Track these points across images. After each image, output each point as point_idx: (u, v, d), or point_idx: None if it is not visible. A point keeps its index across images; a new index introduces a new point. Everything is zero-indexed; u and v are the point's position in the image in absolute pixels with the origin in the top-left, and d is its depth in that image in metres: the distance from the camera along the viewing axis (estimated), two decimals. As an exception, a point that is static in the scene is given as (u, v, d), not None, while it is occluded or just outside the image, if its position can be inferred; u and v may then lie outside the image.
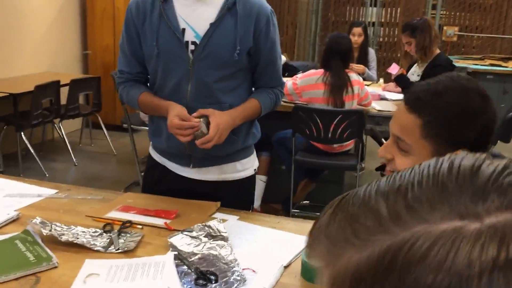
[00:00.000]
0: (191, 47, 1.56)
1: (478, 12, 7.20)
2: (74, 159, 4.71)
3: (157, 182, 1.79)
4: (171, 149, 1.70)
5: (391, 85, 3.78)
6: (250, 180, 1.79)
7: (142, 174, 3.99)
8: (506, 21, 7.12)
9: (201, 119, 1.54)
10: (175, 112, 1.53)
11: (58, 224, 1.43)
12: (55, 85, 4.43)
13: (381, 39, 7.63)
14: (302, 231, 1.49)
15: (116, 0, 5.55)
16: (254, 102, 1.66)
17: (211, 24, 1.54)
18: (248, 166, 1.77)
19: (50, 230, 1.37)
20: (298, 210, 3.35)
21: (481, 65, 6.57)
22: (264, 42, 1.60)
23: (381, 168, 3.89)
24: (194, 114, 1.54)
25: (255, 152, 1.82)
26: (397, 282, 0.29)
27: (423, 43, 3.10)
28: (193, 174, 1.71)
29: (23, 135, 4.30)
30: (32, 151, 4.35)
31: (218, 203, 1.65)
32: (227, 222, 1.52)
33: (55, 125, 4.78)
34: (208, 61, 1.56)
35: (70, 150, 4.71)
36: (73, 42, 5.65)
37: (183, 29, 1.56)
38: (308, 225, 1.48)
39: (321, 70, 3.20)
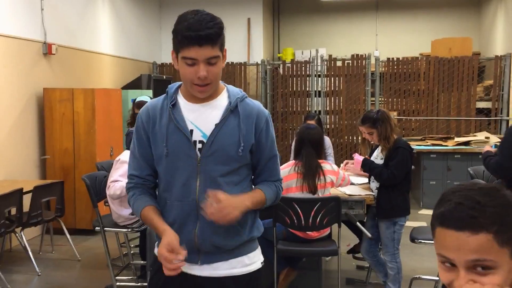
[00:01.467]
0: (199, 145, 1.70)
1: (413, 97, 7.88)
2: (37, 268, 4.51)
3: (164, 284, 1.80)
4: (182, 242, 1.71)
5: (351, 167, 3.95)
6: (258, 273, 1.84)
7: (116, 277, 3.93)
8: (438, 104, 7.81)
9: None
10: (166, 242, 1.61)
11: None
12: (18, 194, 4.34)
13: (328, 126, 8.10)
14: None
15: (75, 105, 5.64)
16: (259, 192, 1.78)
17: (216, 124, 1.70)
18: (256, 259, 1.83)
19: None
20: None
21: (424, 145, 7.09)
22: (265, 139, 1.77)
23: (352, 251, 4.04)
24: (207, 198, 1.63)
25: (259, 248, 1.88)
26: None
27: (385, 133, 3.39)
28: (202, 271, 1.75)
29: (-16, 248, 4.10)
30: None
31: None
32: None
33: (17, 234, 4.60)
34: (215, 157, 1.70)
35: (32, 259, 4.51)
36: (32, 147, 5.61)
37: (191, 130, 1.71)
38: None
39: (292, 162, 3.39)
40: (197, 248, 1.72)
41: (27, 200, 4.50)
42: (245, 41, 8.75)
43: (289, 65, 8.33)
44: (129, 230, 3.91)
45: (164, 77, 8.03)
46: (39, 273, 4.49)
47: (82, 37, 6.54)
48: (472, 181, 1.08)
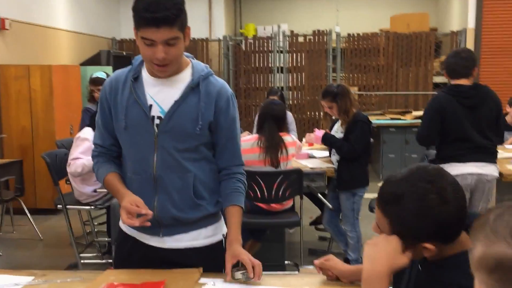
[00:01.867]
0: (157, 121, 1.71)
1: (373, 72, 8.03)
2: (-2, 249, 4.43)
3: (128, 255, 1.85)
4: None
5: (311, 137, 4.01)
6: (220, 246, 1.86)
7: (80, 255, 3.91)
8: (397, 80, 7.99)
9: (242, 273, 1.65)
10: (131, 199, 1.68)
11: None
12: (-26, 173, 4.23)
13: (290, 102, 8.17)
14: (286, 283, 1.63)
15: (32, 82, 5.49)
16: (236, 210, 1.78)
17: (176, 101, 1.70)
18: (217, 231, 1.85)
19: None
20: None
21: (383, 120, 7.27)
22: (224, 119, 1.76)
23: (314, 223, 4.17)
24: (233, 270, 1.67)
25: (223, 219, 1.91)
26: None
27: (345, 106, 3.46)
28: (164, 243, 1.79)
29: None
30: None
31: (201, 269, 1.73)
32: (217, 286, 1.61)
33: (-25, 215, 4.50)
34: (172, 134, 1.70)
35: (-8, 240, 4.43)
36: (-13, 127, 5.45)
37: (150, 105, 1.71)
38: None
39: (256, 135, 3.43)
40: (157, 221, 1.74)
41: (-16, 180, 4.40)
42: (207, 17, 8.64)
43: (251, 41, 8.30)
44: (92, 207, 3.88)
45: (124, 53, 7.87)
46: (0, 254, 4.42)
47: (37, 12, 6.31)
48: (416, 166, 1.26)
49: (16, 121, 5.53)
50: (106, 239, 4.19)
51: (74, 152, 3.68)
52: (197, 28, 8.19)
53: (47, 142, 5.41)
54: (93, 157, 1.86)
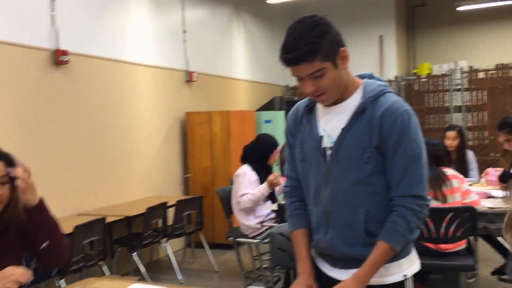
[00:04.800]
0: (329, 151, 1.64)
1: None
2: (180, 277, 4.86)
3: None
4: (320, 248, 1.74)
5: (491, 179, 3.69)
6: (397, 287, 1.66)
7: (247, 287, 4.08)
8: None
9: None
10: (301, 281, 1.65)
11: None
12: (162, 207, 4.76)
13: (471, 143, 7.54)
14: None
15: (213, 127, 6.06)
16: (383, 247, 1.57)
17: (343, 129, 1.61)
18: (394, 272, 1.64)
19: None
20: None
21: None
22: (393, 141, 1.56)
23: (497, 273, 3.69)
24: None
25: (407, 258, 1.67)
26: None
27: (526, 140, 3.08)
28: (341, 275, 1.67)
29: (135, 256, 4.56)
30: (144, 271, 4.57)
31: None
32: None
33: (162, 245, 5.03)
34: (342, 165, 1.61)
35: (176, 269, 4.88)
36: (176, 166, 6.14)
37: (321, 136, 1.66)
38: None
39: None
40: (330, 255, 1.70)
41: (171, 214, 4.93)
42: (377, 58, 8.61)
43: (425, 79, 7.98)
44: (258, 241, 4.04)
45: (296, 98, 8.23)
46: (182, 282, 4.84)
47: (220, 65, 7.04)
48: None
49: (199, 162, 6.13)
50: (269, 273, 4.29)
51: (240, 189, 3.95)
52: (367, 68, 8.20)
53: (224, 181, 5.86)
54: (286, 193, 1.83)
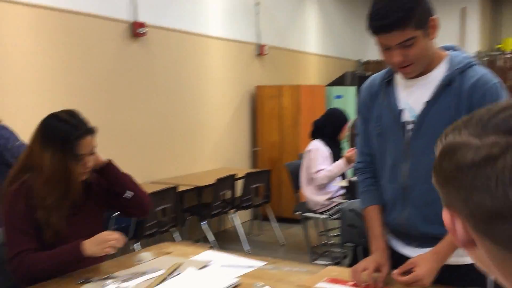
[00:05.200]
0: (409, 126, 1.58)
1: None
2: (247, 248, 4.95)
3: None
4: (394, 225, 1.68)
5: None
6: (475, 267, 1.63)
7: (313, 262, 4.09)
8: None
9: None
10: (372, 265, 1.59)
11: (276, 290, 1.53)
12: (231, 178, 4.84)
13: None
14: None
15: (283, 101, 6.04)
16: None
17: (427, 103, 1.55)
18: None
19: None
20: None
21: None
22: None
23: None
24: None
25: None
26: None
27: None
28: (415, 254, 1.61)
29: (204, 225, 4.69)
30: (212, 239, 4.70)
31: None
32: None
33: (230, 216, 5.14)
34: (424, 139, 1.55)
35: (243, 239, 4.98)
36: (245, 139, 6.20)
37: (401, 110, 1.60)
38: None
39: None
40: (406, 233, 1.65)
41: (239, 186, 5.00)
42: (458, 32, 8.15)
43: (510, 55, 7.47)
44: (326, 217, 4.02)
45: (368, 73, 8.01)
46: (250, 252, 4.93)
47: (291, 38, 6.95)
48: None
49: (268, 136, 6.15)
50: (340, 250, 4.27)
51: (314, 165, 3.91)
52: (446, 43, 7.80)
53: (292, 155, 5.85)
54: (359, 169, 1.79)
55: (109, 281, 1.65)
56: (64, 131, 1.75)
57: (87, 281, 1.68)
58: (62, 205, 1.77)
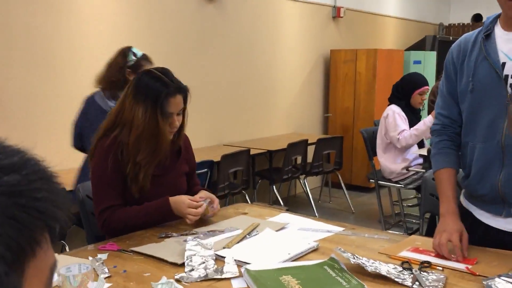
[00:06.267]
0: (511, 80, 1.49)
1: None
2: (316, 214, 4.92)
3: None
4: (485, 192, 1.58)
5: None
6: None
7: (386, 231, 3.99)
8: None
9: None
10: (444, 235, 1.52)
11: (357, 256, 1.48)
12: (303, 144, 4.79)
13: None
14: None
15: (358, 66, 5.83)
16: None
17: None
18: None
19: (355, 260, 1.43)
20: None
21: None
22: None
23: None
24: None
25: None
26: None
27: None
28: (507, 225, 1.55)
29: (274, 189, 4.70)
30: (282, 204, 4.70)
31: (520, 254, 1.50)
32: None
33: (301, 181, 5.11)
34: None
35: (312, 205, 4.95)
36: (317, 105, 6.09)
37: (504, 63, 1.51)
38: None
39: None
40: (501, 197, 1.53)
41: (310, 152, 4.94)
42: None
43: None
44: (402, 185, 3.88)
45: (451, 38, 7.54)
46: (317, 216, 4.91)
47: (369, 0, 6.65)
48: None
49: (341, 102, 6.00)
50: (414, 221, 4.14)
51: (395, 127, 3.74)
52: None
53: (367, 122, 5.69)
54: (435, 131, 1.71)
55: (189, 237, 1.67)
56: (156, 87, 1.76)
57: (168, 235, 1.72)
58: (150, 162, 1.79)
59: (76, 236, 3.13)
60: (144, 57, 2.73)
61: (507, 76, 1.50)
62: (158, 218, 1.80)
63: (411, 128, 3.74)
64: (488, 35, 1.55)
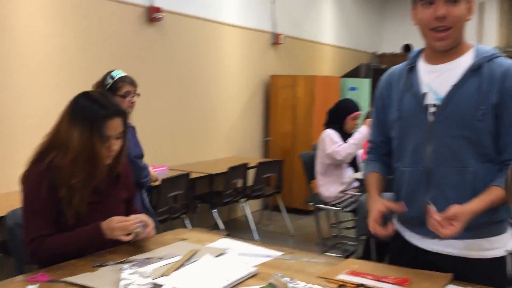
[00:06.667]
0: (432, 109, 1.59)
1: None
2: (256, 238, 4.93)
3: (400, 255, 1.73)
4: (412, 215, 1.65)
5: None
6: (500, 262, 1.59)
7: (324, 254, 4.06)
8: None
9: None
10: (375, 212, 1.64)
11: (296, 281, 1.50)
12: (244, 167, 4.81)
13: None
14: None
15: (297, 91, 5.98)
16: (500, 192, 1.48)
17: (454, 86, 1.56)
18: (498, 245, 1.59)
19: (293, 285, 1.44)
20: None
21: None
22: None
23: None
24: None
25: (509, 232, 1.63)
26: None
27: None
28: (434, 246, 1.63)
29: (215, 212, 4.67)
30: (222, 227, 4.68)
31: (450, 275, 1.57)
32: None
33: (241, 205, 5.11)
34: (449, 121, 1.55)
35: (253, 229, 4.96)
36: (257, 129, 6.16)
37: (425, 94, 1.61)
38: None
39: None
40: (425, 222, 1.57)
41: (251, 175, 4.97)
42: (475, 28, 8.02)
43: (528, 52, 7.34)
44: (339, 208, 3.98)
45: (383, 66, 7.91)
46: (260, 240, 4.92)
47: (307, 28, 6.88)
48: None
49: (281, 126, 6.11)
50: (351, 243, 4.24)
51: (330, 145, 3.88)
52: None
53: (306, 145, 5.81)
54: (369, 152, 1.88)
55: (125, 265, 1.62)
56: (93, 109, 1.72)
57: (103, 264, 1.66)
58: (86, 186, 1.74)
59: (4, 265, 2.95)
60: (122, 79, 2.81)
61: (427, 105, 1.60)
62: (90, 244, 1.74)
63: (349, 139, 3.94)
64: (412, 68, 1.67)
